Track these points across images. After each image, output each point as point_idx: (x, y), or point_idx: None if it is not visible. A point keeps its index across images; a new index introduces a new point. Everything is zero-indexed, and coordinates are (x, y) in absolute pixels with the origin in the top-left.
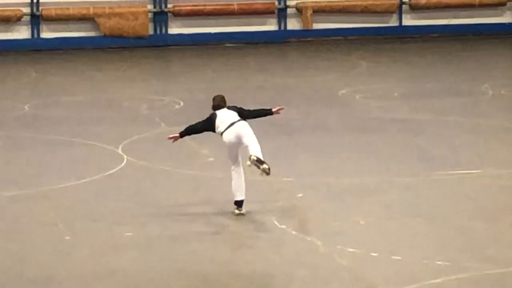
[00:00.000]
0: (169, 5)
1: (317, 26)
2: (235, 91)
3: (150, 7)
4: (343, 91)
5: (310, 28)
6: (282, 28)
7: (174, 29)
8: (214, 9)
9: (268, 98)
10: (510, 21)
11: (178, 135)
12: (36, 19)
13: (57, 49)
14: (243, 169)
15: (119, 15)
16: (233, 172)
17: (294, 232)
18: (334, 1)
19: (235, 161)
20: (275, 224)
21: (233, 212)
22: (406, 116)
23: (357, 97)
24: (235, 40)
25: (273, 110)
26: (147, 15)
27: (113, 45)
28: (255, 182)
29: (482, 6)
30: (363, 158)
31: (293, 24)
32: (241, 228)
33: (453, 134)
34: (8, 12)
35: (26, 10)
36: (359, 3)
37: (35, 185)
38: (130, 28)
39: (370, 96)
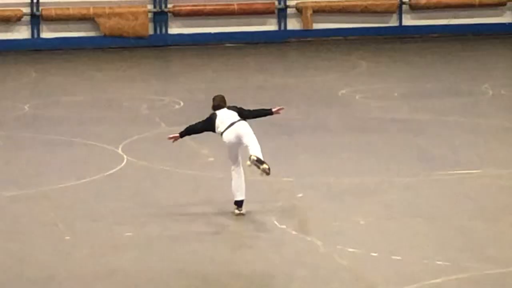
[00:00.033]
0: (169, 5)
1: (317, 26)
2: (235, 91)
3: (150, 7)
4: (343, 91)
5: (310, 28)
6: (282, 28)
7: (174, 29)
8: (214, 9)
9: (268, 98)
10: (510, 21)
11: (178, 135)
12: (36, 19)
13: (57, 49)
14: (243, 169)
15: (119, 15)
16: (233, 172)
17: (294, 232)
18: (334, 1)
19: (235, 161)
20: (275, 224)
21: (233, 212)
22: (406, 116)
23: (357, 97)
24: (235, 40)
25: (273, 110)
26: (147, 15)
27: (113, 45)
28: (255, 182)
29: (482, 6)
30: (363, 158)
31: (293, 24)
32: (241, 228)
33: (453, 134)
34: (8, 12)
35: (26, 10)
36: (359, 3)
37: (35, 185)
38: (130, 28)
39: (370, 96)
